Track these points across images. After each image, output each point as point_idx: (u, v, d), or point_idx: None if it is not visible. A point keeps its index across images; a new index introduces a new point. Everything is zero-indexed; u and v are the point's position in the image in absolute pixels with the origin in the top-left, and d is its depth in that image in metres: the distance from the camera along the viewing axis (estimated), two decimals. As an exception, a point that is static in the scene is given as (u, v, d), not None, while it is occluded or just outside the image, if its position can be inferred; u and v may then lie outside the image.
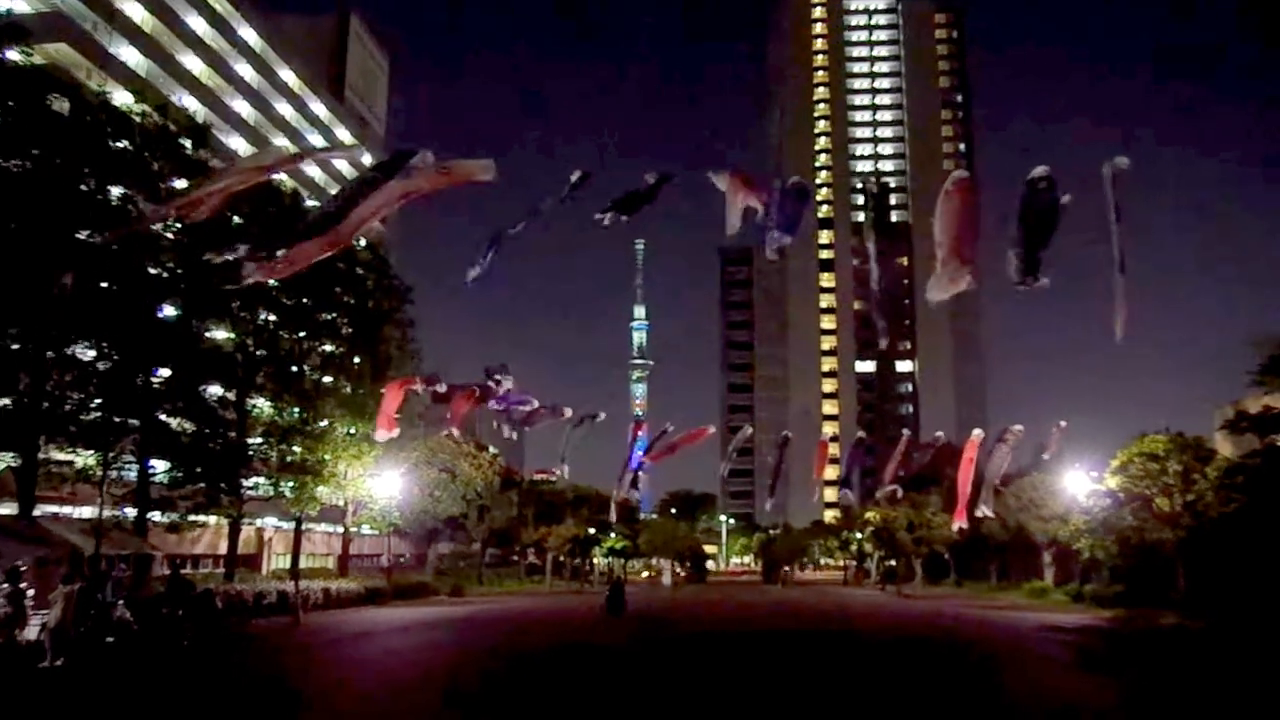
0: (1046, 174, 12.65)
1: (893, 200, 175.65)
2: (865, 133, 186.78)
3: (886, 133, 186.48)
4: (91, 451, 34.12)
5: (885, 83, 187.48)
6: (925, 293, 13.20)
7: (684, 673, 21.01)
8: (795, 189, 15.11)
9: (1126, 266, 12.54)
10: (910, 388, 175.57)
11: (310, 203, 47.39)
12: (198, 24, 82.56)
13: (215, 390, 40.33)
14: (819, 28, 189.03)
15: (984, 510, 30.63)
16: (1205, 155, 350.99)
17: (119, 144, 33.81)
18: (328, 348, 46.02)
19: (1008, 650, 27.07)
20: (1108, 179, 12.53)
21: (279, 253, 10.09)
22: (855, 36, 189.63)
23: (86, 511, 43.38)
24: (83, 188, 32.18)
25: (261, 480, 44.01)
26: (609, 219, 14.71)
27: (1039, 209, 12.45)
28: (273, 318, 42.65)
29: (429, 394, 28.11)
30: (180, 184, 35.70)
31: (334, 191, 10.76)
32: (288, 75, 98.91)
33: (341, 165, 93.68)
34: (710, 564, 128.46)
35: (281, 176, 46.45)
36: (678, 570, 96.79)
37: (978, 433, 31.59)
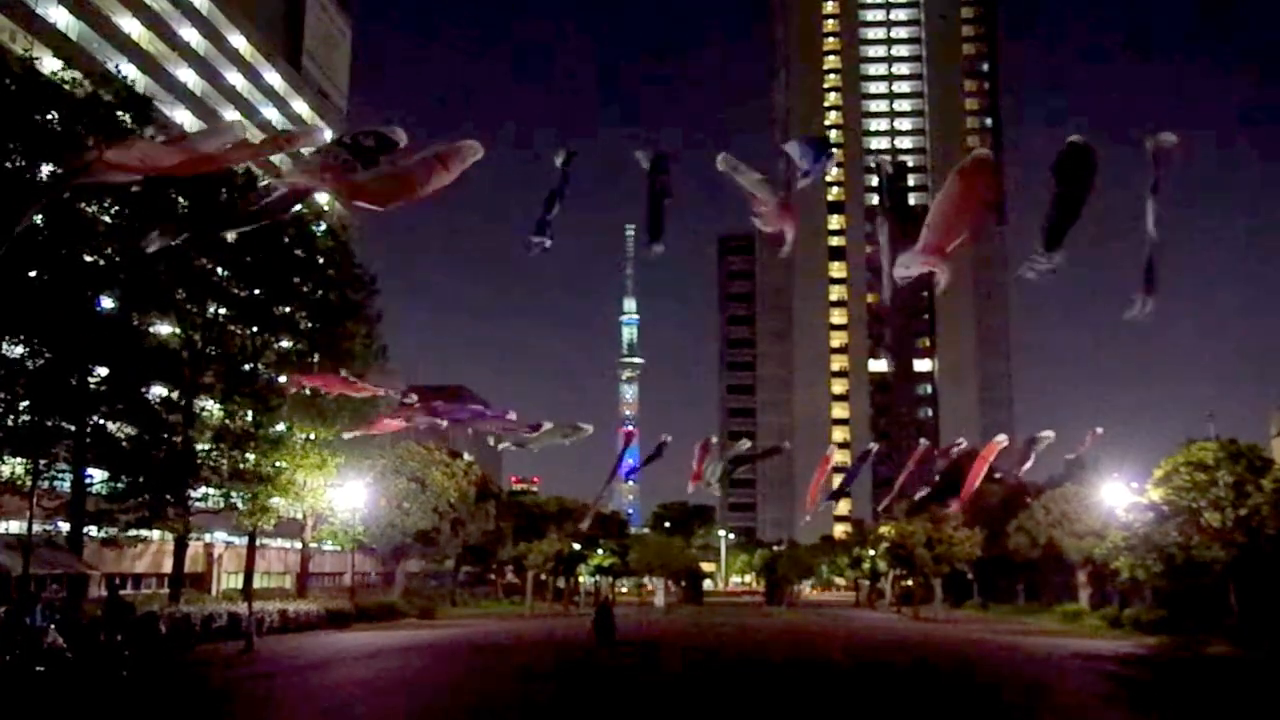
0: (1084, 141, 12.59)
1: (911, 181, 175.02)
2: (881, 106, 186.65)
3: (904, 106, 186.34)
4: (20, 459, 33.82)
5: (903, 50, 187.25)
6: (896, 268, 13.20)
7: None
8: (809, 145, 14.81)
9: (1158, 243, 12.49)
10: (929, 389, 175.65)
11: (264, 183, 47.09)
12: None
13: (159, 391, 40.07)
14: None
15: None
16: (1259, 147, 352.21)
17: (47, 116, 33.52)
18: (284, 344, 45.78)
19: (1040, 682, 26.99)
20: (1150, 155, 12.58)
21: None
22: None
23: (14, 526, 43.11)
24: (7, 165, 31.89)
25: (211, 491, 43.76)
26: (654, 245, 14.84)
27: (1073, 174, 12.39)
28: (223, 311, 42.42)
29: (398, 400, 27.78)
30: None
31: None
32: (238, 41, 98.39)
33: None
34: (708, 583, 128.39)
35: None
36: (671, 590, 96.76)
37: (1001, 438, 31.48)
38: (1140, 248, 12.53)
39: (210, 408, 43.17)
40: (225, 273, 42.11)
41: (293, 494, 43.38)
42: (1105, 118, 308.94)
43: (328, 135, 12.04)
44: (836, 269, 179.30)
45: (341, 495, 46.39)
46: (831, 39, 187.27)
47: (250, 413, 42.77)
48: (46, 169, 33.53)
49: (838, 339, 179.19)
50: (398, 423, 23.58)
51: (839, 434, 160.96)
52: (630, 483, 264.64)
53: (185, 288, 39.76)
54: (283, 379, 45.18)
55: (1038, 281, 12.35)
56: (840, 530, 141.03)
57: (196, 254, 40.36)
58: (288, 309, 45.13)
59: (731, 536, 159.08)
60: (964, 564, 73.43)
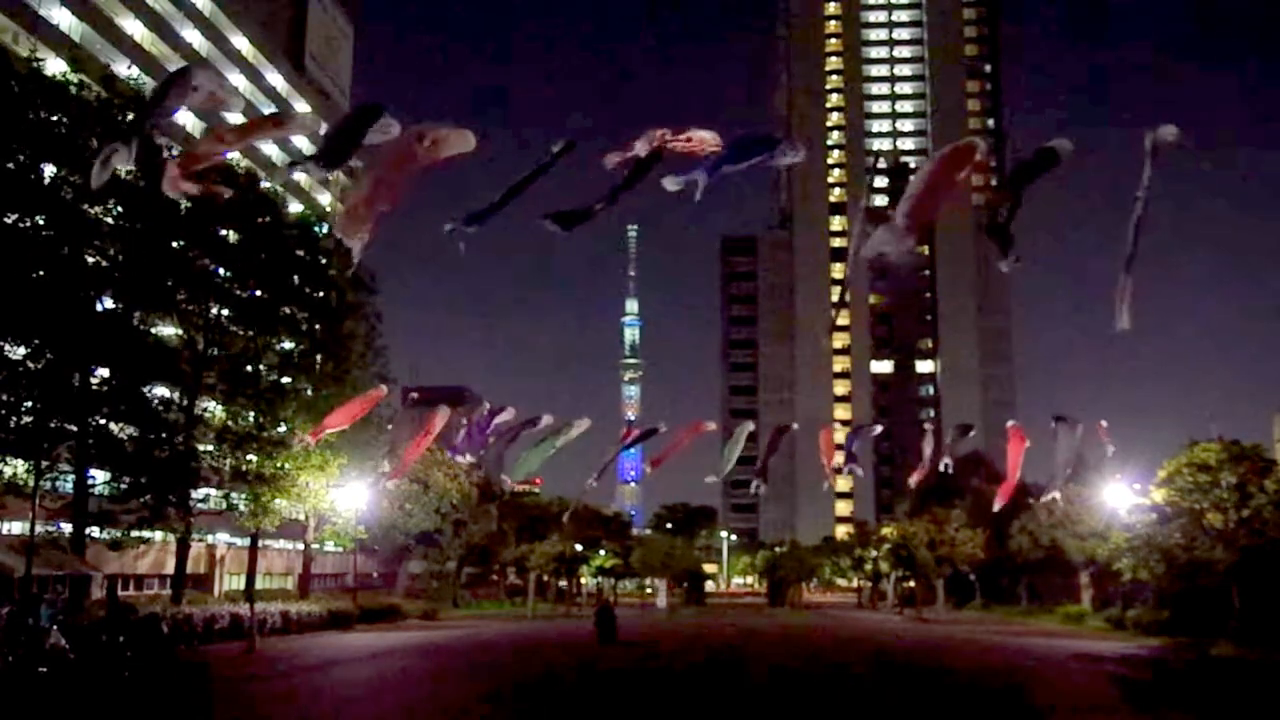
0: (1064, 145, 12.44)
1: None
2: (883, 106, 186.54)
3: (906, 107, 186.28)
4: (22, 460, 33.81)
5: (905, 50, 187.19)
6: (866, 249, 12.90)
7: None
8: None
9: (1138, 249, 12.26)
10: (932, 390, 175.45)
11: (267, 185, 47.15)
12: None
13: (161, 392, 40.05)
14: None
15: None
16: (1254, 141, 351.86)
17: (52, 117, 33.54)
18: (286, 345, 45.74)
19: (1043, 684, 26.96)
20: (1149, 149, 12.20)
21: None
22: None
23: (16, 527, 43.16)
24: (10, 165, 31.91)
25: (213, 492, 43.74)
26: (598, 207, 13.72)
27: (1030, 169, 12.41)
28: (224, 312, 42.39)
29: (404, 403, 27.84)
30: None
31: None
32: (241, 43, 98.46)
33: (300, 142, 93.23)
34: (709, 584, 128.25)
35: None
36: (673, 591, 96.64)
37: (1013, 422, 31.41)
38: (1144, 248, 12.33)
39: (212, 408, 43.16)
40: (227, 273, 42.09)
41: (295, 495, 43.34)
42: (1108, 116, 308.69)
43: (321, 127, 11.94)
44: (839, 270, 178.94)
45: (344, 496, 46.32)
46: (833, 39, 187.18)
47: (252, 413, 42.76)
48: (50, 170, 33.60)
49: (840, 339, 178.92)
50: (419, 451, 23.71)
51: (841, 435, 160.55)
52: (632, 484, 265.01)
53: (187, 288, 39.73)
54: (285, 380, 45.17)
55: (1015, 270, 12.31)
56: (842, 531, 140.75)
57: (198, 254, 40.40)
58: (289, 309, 45.10)
59: (733, 538, 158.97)
60: (966, 565, 73.41)
